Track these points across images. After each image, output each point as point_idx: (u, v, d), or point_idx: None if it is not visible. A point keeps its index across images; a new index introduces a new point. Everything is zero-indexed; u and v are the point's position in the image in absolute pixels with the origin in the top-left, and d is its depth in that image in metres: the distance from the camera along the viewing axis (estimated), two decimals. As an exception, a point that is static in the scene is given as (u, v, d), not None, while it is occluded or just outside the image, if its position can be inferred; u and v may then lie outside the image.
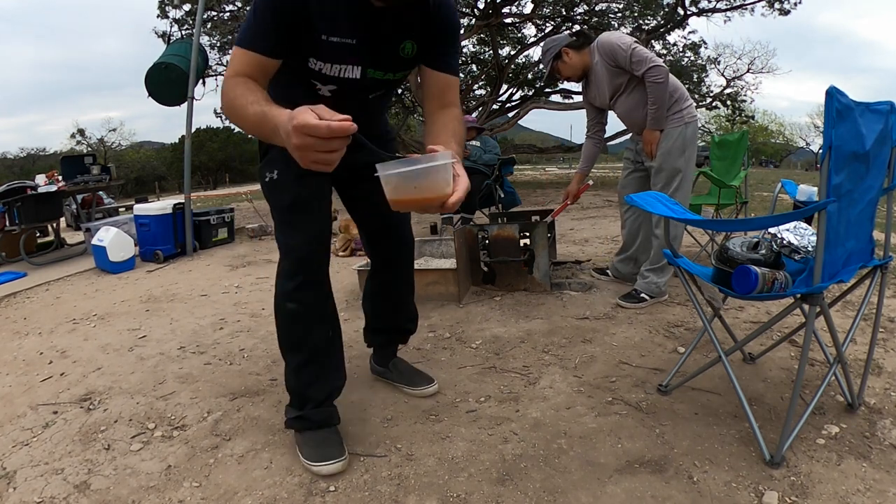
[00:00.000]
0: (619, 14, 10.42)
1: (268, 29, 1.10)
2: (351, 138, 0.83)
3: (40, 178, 5.08)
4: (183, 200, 4.60)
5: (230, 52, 9.31)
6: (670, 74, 2.44)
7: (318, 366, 1.38)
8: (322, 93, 1.28)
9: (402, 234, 1.62)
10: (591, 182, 2.99)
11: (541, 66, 2.78)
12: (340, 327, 1.46)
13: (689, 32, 11.11)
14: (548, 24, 10.83)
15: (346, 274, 3.40)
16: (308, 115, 0.82)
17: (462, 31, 1.34)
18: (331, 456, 1.31)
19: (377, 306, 1.73)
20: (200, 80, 6.55)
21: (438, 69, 1.29)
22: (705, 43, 11.29)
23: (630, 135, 2.80)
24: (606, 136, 2.98)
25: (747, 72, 13.78)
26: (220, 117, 12.80)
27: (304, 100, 1.19)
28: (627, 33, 11.37)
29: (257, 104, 1.00)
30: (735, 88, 13.23)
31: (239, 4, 9.12)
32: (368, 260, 1.72)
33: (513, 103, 12.50)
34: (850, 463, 1.24)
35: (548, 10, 10.39)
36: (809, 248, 1.68)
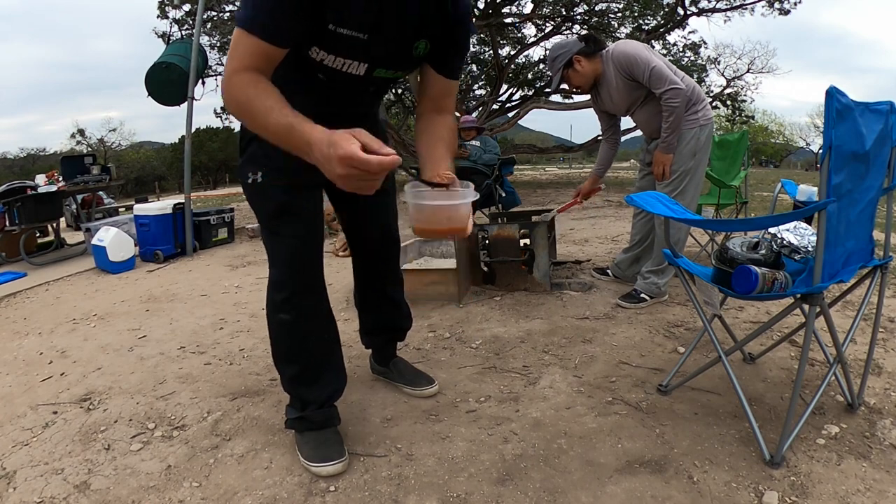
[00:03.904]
0: (619, 14, 10.41)
1: (279, 12, 0.96)
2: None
3: (40, 178, 5.07)
4: (183, 200, 4.61)
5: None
6: (687, 77, 2.38)
7: (314, 373, 1.37)
8: (319, 77, 1.17)
9: (393, 233, 1.59)
10: (603, 186, 2.96)
11: (547, 72, 2.71)
12: (337, 328, 1.45)
13: (689, 32, 11.11)
14: (548, 24, 10.83)
15: (346, 274, 3.40)
16: (353, 145, 0.79)
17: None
18: (331, 457, 1.31)
19: (369, 306, 1.70)
20: (200, 81, 6.54)
21: (444, 74, 1.23)
22: (705, 43, 11.30)
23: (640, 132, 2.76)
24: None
25: (747, 72, 13.75)
26: (220, 117, 12.75)
27: (298, 83, 1.14)
28: (627, 33, 11.19)
29: (280, 113, 0.93)
30: (735, 88, 13.22)
31: (239, 4, 9.10)
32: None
33: (513, 103, 12.49)
34: (850, 463, 1.24)
35: (548, 10, 10.38)
36: (809, 248, 1.68)
